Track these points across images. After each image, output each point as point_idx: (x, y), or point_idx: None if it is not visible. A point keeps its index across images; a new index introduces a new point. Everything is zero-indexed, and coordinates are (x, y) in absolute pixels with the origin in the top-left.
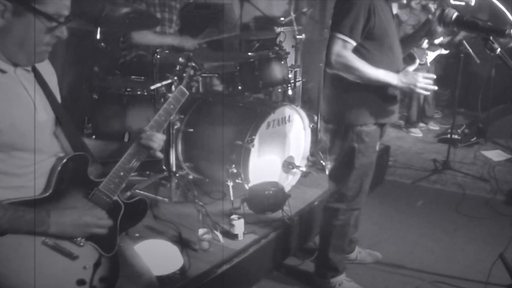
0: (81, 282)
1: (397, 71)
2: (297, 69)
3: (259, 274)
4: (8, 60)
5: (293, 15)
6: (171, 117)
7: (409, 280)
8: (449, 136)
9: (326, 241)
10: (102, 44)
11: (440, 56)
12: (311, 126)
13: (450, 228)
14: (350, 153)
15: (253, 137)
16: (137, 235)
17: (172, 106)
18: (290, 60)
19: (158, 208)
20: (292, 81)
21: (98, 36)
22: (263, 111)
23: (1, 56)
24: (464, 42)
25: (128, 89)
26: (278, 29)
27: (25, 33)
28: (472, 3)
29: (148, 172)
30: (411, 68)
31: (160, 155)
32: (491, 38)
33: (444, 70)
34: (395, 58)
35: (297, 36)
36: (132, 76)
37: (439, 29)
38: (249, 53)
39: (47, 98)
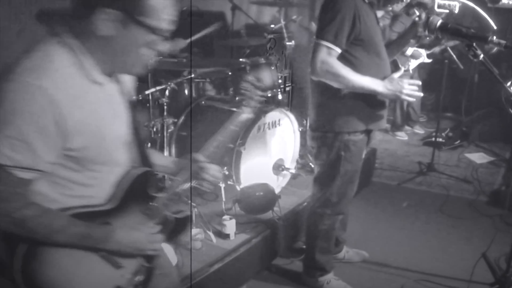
0: None
1: (384, 77)
2: (287, 74)
3: (250, 272)
4: (103, 71)
5: (282, 23)
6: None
7: (395, 279)
8: (433, 139)
9: (312, 243)
10: None
11: (425, 63)
12: (300, 129)
13: (434, 228)
14: (336, 161)
15: (245, 140)
16: None
17: (232, 127)
18: (280, 65)
19: None
20: (282, 86)
21: None
22: (254, 115)
23: (99, 67)
24: (449, 48)
25: None
26: (268, 36)
27: (128, 45)
28: (456, 11)
29: None
30: (396, 75)
31: (208, 188)
32: (474, 44)
33: (429, 75)
34: (383, 64)
35: (287, 43)
36: None
37: (425, 33)
38: (240, 59)
39: (127, 110)
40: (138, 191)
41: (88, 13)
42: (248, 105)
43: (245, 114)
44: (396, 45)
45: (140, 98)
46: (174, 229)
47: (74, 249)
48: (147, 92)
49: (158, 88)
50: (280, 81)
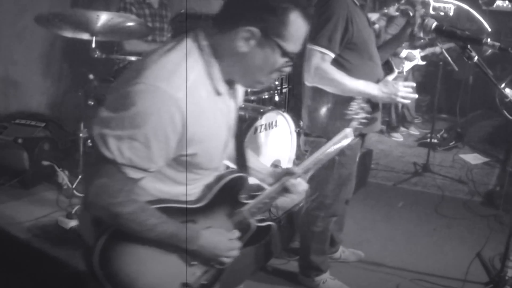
0: (185, 285)
1: (377, 80)
2: (283, 76)
3: (246, 273)
4: (225, 81)
5: None
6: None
7: (391, 278)
8: (428, 140)
9: (306, 245)
10: (97, 52)
11: (420, 65)
12: (296, 130)
13: (429, 228)
14: (330, 164)
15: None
16: None
17: (333, 147)
18: None
19: None
20: (278, 87)
21: (93, 45)
22: (251, 117)
23: (223, 78)
24: (443, 50)
25: None
26: None
27: (261, 63)
28: (451, 13)
29: None
30: (390, 78)
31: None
32: (468, 46)
33: (424, 77)
34: (375, 67)
35: None
36: None
37: (420, 35)
38: None
39: (234, 117)
40: (227, 195)
41: (231, 28)
42: (351, 126)
43: (348, 135)
44: (389, 46)
45: None
46: (254, 237)
47: (155, 243)
48: None
49: None
50: (276, 82)
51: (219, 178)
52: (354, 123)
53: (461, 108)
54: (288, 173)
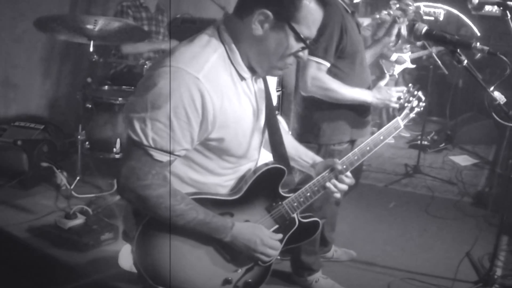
0: (227, 281)
1: (368, 86)
2: (277, 79)
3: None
4: (248, 68)
5: None
6: (371, 153)
7: (382, 277)
8: (419, 142)
9: (297, 247)
10: (95, 56)
11: (411, 68)
12: (290, 132)
13: (420, 228)
14: None
15: None
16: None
17: (381, 138)
18: None
19: None
20: None
21: (91, 49)
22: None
23: (245, 63)
24: (434, 54)
25: (119, 98)
26: None
27: (276, 47)
28: (441, 18)
29: None
30: (383, 83)
31: (338, 196)
32: (458, 50)
33: (415, 80)
34: (365, 73)
35: None
36: (123, 86)
37: (410, 37)
38: None
39: (267, 106)
40: (264, 187)
41: (248, 13)
42: (402, 114)
43: (397, 123)
44: (376, 47)
45: None
46: (300, 234)
47: (191, 235)
48: None
49: None
50: None
51: (255, 170)
52: (405, 111)
53: (451, 111)
54: (331, 168)
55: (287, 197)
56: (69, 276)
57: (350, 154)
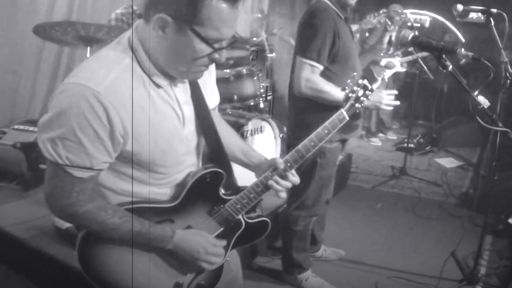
0: (177, 285)
1: None
2: (268, 84)
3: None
4: (164, 74)
5: (264, 36)
6: (316, 149)
7: (369, 276)
8: (405, 145)
9: (288, 244)
10: None
11: (399, 73)
12: (281, 136)
13: (406, 228)
14: (311, 166)
15: None
16: None
17: (326, 131)
18: (262, 76)
19: None
20: (264, 95)
21: (88, 55)
22: (238, 122)
23: (159, 70)
24: (420, 60)
25: None
26: (250, 48)
27: (182, 52)
28: (427, 25)
29: None
30: (374, 86)
31: (282, 195)
32: (443, 56)
33: (401, 85)
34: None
35: (268, 55)
36: None
37: (397, 43)
38: (225, 70)
39: (196, 109)
40: (203, 191)
41: (150, 17)
42: (345, 106)
43: (342, 115)
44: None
45: None
46: (249, 234)
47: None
48: None
49: None
50: (262, 90)
51: (192, 175)
52: (350, 102)
53: (437, 115)
54: (274, 167)
55: (229, 199)
56: (67, 275)
57: (293, 151)
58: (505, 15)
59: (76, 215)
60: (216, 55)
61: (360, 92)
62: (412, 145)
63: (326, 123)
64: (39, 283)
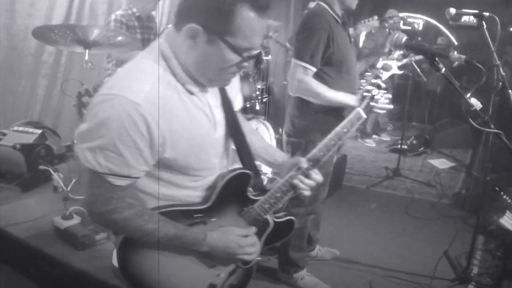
0: (212, 286)
1: (355, 93)
2: (264, 86)
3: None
4: (195, 81)
5: None
6: (336, 147)
7: (364, 275)
8: (399, 146)
9: (285, 242)
10: (90, 64)
11: (392, 76)
12: (276, 137)
13: (400, 228)
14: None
15: None
16: None
17: (345, 130)
18: (258, 78)
19: None
20: (259, 97)
21: (86, 57)
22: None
23: (190, 77)
24: (413, 62)
25: None
26: None
27: (213, 61)
28: (420, 28)
29: None
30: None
31: (307, 194)
32: (436, 59)
33: (396, 87)
34: (352, 80)
35: (264, 57)
36: None
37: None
38: None
39: (225, 113)
40: (233, 193)
41: (181, 27)
42: (362, 105)
43: (359, 114)
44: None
45: None
46: (276, 234)
47: (170, 247)
48: None
49: None
50: (257, 92)
51: (221, 178)
52: (366, 101)
53: (430, 116)
54: (297, 166)
55: (257, 200)
56: (66, 274)
57: (315, 150)
58: (497, 18)
59: (115, 222)
60: (245, 63)
61: (375, 91)
62: (405, 147)
63: (345, 121)
64: (39, 282)
